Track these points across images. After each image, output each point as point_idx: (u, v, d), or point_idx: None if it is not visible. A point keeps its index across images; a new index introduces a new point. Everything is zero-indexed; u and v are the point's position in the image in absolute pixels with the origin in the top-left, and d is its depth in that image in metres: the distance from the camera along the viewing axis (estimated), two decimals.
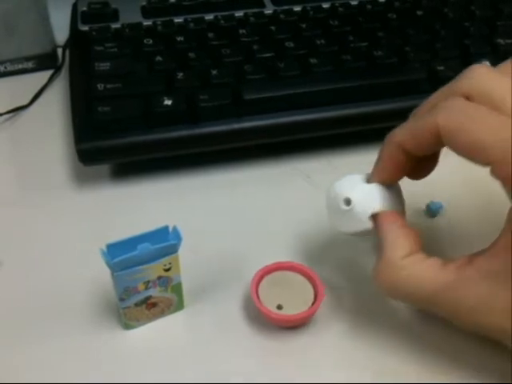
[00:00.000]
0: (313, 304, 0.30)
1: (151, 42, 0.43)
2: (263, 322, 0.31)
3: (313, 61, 0.41)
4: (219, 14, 0.47)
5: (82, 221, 0.37)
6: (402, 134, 0.28)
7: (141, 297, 0.29)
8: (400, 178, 0.30)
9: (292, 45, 0.43)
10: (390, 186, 0.30)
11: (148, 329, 0.31)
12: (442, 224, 0.37)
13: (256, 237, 0.35)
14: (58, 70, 0.49)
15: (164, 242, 0.28)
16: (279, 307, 0.30)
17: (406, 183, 0.30)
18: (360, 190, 0.29)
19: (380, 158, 0.29)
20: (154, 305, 0.30)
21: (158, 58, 0.41)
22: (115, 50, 0.42)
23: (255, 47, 0.43)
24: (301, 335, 0.30)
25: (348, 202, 0.29)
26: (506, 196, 0.25)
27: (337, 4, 0.48)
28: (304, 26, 0.45)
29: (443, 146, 0.27)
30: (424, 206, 0.37)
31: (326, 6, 0.48)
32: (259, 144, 0.40)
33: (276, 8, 0.48)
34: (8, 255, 0.34)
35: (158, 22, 0.45)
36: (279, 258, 0.32)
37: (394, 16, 0.47)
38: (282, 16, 0.47)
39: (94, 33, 0.44)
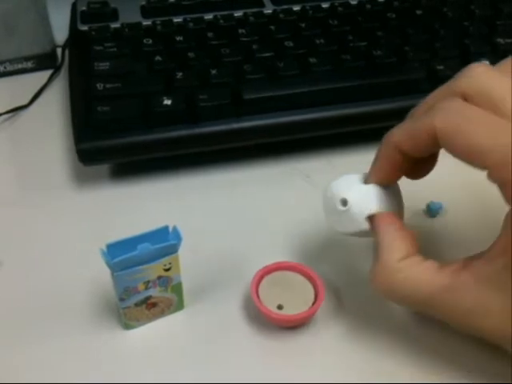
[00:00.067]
0: (313, 304, 0.30)
1: (151, 41, 0.43)
2: (263, 322, 0.31)
3: (312, 60, 0.41)
4: (218, 13, 0.47)
5: (81, 221, 0.37)
6: (399, 135, 0.28)
7: (141, 297, 0.29)
8: (398, 178, 0.30)
9: (291, 44, 0.43)
10: (388, 186, 0.30)
11: (148, 329, 0.31)
12: (442, 224, 0.36)
13: (256, 237, 0.35)
14: (57, 69, 0.49)
15: (164, 241, 0.28)
16: (279, 307, 0.30)
17: (405, 183, 0.30)
18: (357, 191, 0.29)
19: (377, 158, 0.29)
20: (154, 305, 0.30)
21: (158, 58, 0.41)
22: (115, 49, 0.42)
23: (255, 47, 0.43)
24: (301, 335, 0.30)
25: (345, 202, 0.29)
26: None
27: (336, 3, 0.48)
28: (303, 25, 0.45)
29: (440, 147, 0.26)
30: (424, 206, 0.37)
31: (325, 5, 0.48)
32: (259, 144, 0.40)
33: (275, 7, 0.48)
34: (8, 255, 0.34)
35: (158, 22, 0.45)
36: (279, 257, 0.32)
37: (394, 15, 0.47)
38: (281, 15, 0.47)
39: (93, 32, 0.44)
